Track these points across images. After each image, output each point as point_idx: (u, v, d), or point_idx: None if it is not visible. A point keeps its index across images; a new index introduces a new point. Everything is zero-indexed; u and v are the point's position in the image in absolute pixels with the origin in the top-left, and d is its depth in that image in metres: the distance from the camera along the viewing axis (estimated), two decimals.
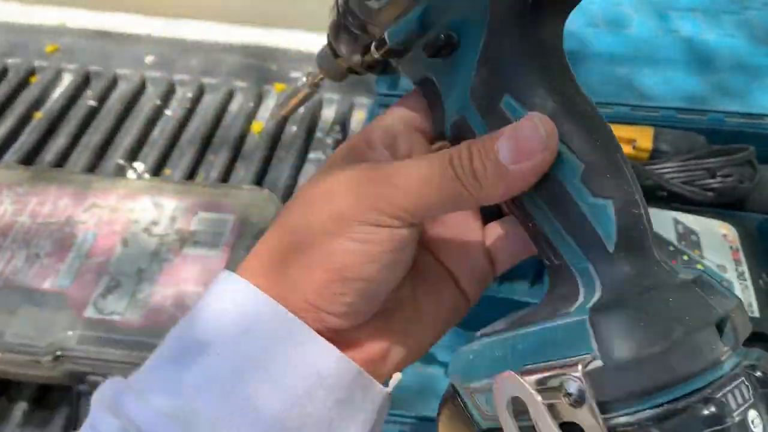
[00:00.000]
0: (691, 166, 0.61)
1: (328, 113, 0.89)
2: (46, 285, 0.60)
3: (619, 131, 0.65)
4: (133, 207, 0.67)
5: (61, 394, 0.61)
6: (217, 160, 0.81)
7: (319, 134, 0.87)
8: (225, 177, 0.80)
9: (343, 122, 0.87)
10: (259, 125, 0.86)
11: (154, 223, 0.65)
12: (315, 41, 0.97)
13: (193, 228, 0.65)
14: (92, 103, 0.88)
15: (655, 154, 0.64)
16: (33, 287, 0.60)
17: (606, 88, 0.71)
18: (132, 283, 0.60)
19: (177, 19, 1.01)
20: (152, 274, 0.61)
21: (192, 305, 0.29)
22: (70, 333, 0.57)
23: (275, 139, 0.85)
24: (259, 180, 0.80)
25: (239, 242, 0.63)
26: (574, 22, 0.78)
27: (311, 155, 0.84)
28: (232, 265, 0.62)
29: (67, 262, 0.62)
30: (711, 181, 0.61)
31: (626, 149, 0.64)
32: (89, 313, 0.58)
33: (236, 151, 0.83)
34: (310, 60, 0.94)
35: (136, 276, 0.61)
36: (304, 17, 1.00)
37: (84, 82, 0.92)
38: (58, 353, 0.56)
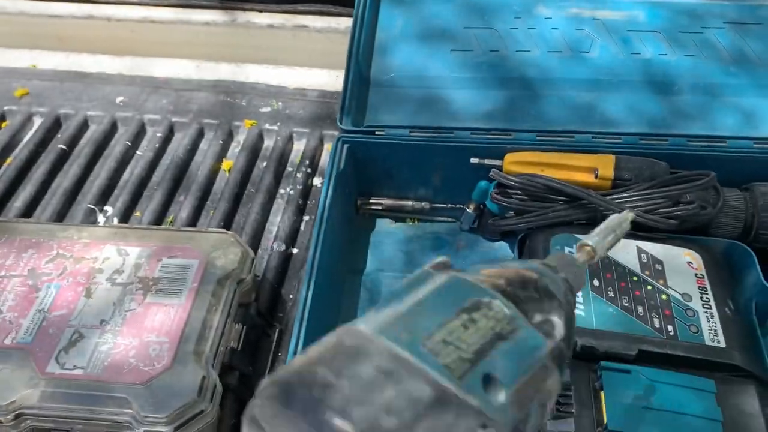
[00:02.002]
0: (653, 194, 0.61)
1: (298, 147, 0.89)
2: (8, 341, 0.59)
3: (581, 161, 0.65)
4: (98, 255, 0.66)
5: None
6: (186, 201, 0.81)
7: (289, 168, 0.87)
8: (195, 217, 0.80)
9: (312, 156, 0.87)
10: (228, 163, 0.86)
11: (118, 271, 0.65)
12: (284, 75, 0.98)
13: (157, 275, 0.64)
14: (62, 146, 0.88)
15: (618, 183, 0.63)
16: None
17: (568, 116, 0.71)
18: (95, 336, 0.60)
19: (147, 57, 1.01)
20: (115, 325, 0.60)
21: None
22: (31, 390, 0.56)
23: (245, 176, 0.85)
24: (229, 219, 0.80)
25: (203, 288, 0.63)
26: (535, 48, 0.79)
27: (281, 190, 0.84)
28: (194, 312, 0.62)
29: (30, 317, 0.61)
30: (674, 208, 0.61)
31: (588, 178, 0.64)
32: (51, 368, 0.58)
33: (206, 191, 0.83)
34: (279, 94, 0.94)
35: (99, 328, 0.60)
36: (273, 52, 1.01)
37: (55, 125, 0.92)
38: (19, 411, 0.55)
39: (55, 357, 0.59)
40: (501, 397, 0.20)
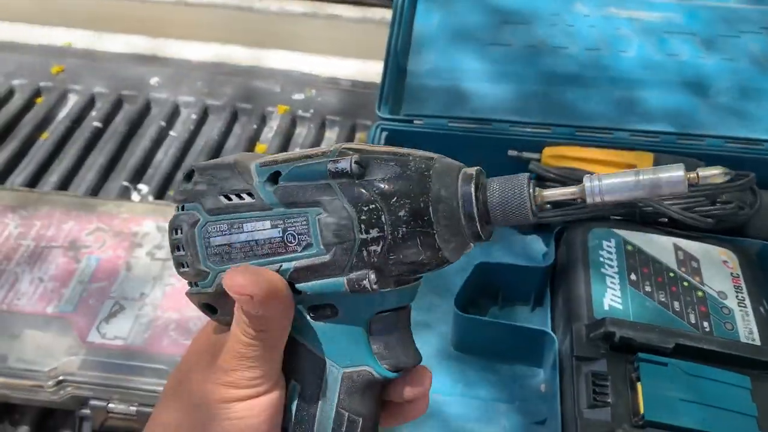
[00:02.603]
0: (691, 192, 0.62)
1: (331, 135, 0.90)
2: (50, 310, 0.60)
3: (619, 157, 0.66)
4: (137, 231, 0.67)
5: (63, 419, 0.61)
6: None
7: None
8: None
9: None
10: (262, 147, 0.87)
11: (158, 247, 0.66)
12: (317, 64, 0.99)
13: None
14: (97, 124, 0.89)
15: None
16: (37, 312, 0.60)
17: (606, 113, 0.72)
18: (135, 308, 0.61)
19: (182, 40, 1.02)
20: (155, 299, 0.61)
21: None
22: (73, 358, 0.57)
23: None
24: None
25: None
26: (573, 45, 0.79)
27: None
28: None
29: (71, 287, 0.62)
30: (711, 207, 0.61)
31: None
32: (92, 337, 0.59)
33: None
34: (312, 82, 0.95)
35: (139, 300, 0.61)
36: (307, 40, 1.01)
37: (89, 103, 0.93)
38: (61, 378, 0.56)
39: (96, 327, 0.60)
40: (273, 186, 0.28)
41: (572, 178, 0.63)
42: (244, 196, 0.28)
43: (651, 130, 0.69)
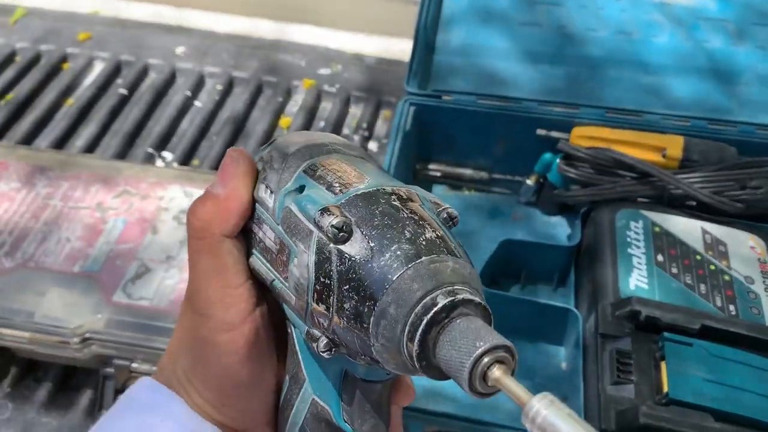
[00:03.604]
0: (721, 176, 0.61)
1: (355, 111, 0.90)
2: (76, 269, 0.61)
3: (649, 139, 0.66)
4: (164, 195, 0.67)
5: (86, 377, 0.61)
6: None
7: (346, 131, 0.87)
8: None
9: (369, 121, 0.88)
10: (286, 121, 0.87)
11: (184, 211, 0.66)
12: (343, 39, 0.99)
13: None
14: (123, 91, 0.90)
15: (685, 164, 0.64)
16: (63, 270, 0.61)
17: (635, 96, 0.71)
18: (161, 270, 0.61)
19: (208, 11, 1.02)
20: (181, 262, 0.62)
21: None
22: (98, 316, 0.58)
23: None
24: None
25: None
26: (604, 28, 0.79)
27: None
28: None
29: (97, 247, 0.63)
30: (740, 192, 0.61)
31: (656, 157, 0.64)
32: (118, 297, 0.59)
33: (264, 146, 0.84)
34: (337, 58, 0.95)
35: (165, 263, 0.62)
36: (333, 15, 1.01)
37: (115, 70, 0.93)
38: (86, 335, 0.57)
39: (122, 287, 0.60)
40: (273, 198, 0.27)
41: (601, 158, 0.63)
42: (270, 197, 0.27)
43: (682, 115, 0.69)
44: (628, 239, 0.60)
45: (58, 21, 0.99)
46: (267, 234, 0.27)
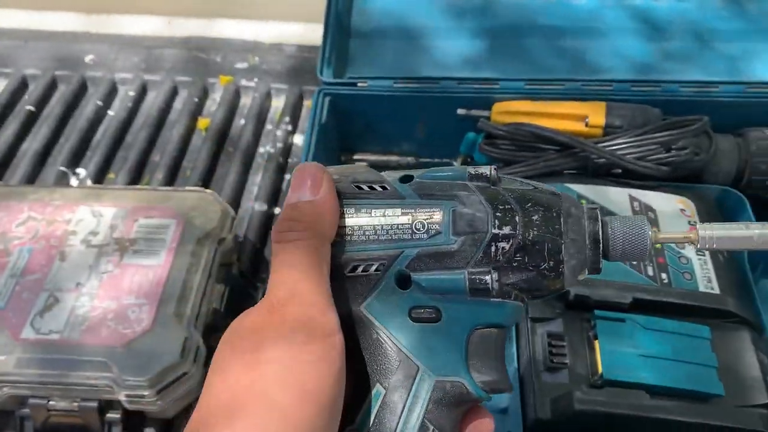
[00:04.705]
0: (645, 140, 0.59)
1: (277, 103, 0.86)
2: None
3: (571, 108, 0.63)
4: (71, 217, 0.63)
5: (4, 420, 0.58)
6: (162, 161, 0.78)
7: (269, 126, 0.84)
8: (171, 178, 0.77)
9: (292, 113, 0.84)
10: (205, 121, 0.83)
11: (93, 233, 0.62)
12: (259, 29, 0.94)
13: (133, 235, 0.62)
14: (30, 108, 0.85)
15: (609, 130, 0.62)
16: None
17: (556, 63, 0.69)
18: (70, 299, 0.57)
19: (114, 14, 0.97)
20: (92, 288, 0.58)
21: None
22: (6, 357, 0.54)
23: (223, 134, 0.82)
24: (207, 179, 0.77)
25: (181, 247, 0.60)
26: None
27: (260, 149, 0.81)
28: (174, 272, 0.59)
29: (2, 282, 0.59)
30: (666, 155, 0.59)
31: (578, 126, 0.62)
32: (26, 333, 0.56)
33: (182, 150, 0.80)
34: (255, 49, 0.91)
35: (75, 291, 0.58)
36: (247, 5, 0.96)
37: (21, 85, 0.88)
38: None
39: (30, 322, 0.56)
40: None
41: (520, 133, 0.60)
42: (376, 186, 0.29)
43: (604, 79, 0.67)
44: None
45: None
46: (386, 213, 0.28)
